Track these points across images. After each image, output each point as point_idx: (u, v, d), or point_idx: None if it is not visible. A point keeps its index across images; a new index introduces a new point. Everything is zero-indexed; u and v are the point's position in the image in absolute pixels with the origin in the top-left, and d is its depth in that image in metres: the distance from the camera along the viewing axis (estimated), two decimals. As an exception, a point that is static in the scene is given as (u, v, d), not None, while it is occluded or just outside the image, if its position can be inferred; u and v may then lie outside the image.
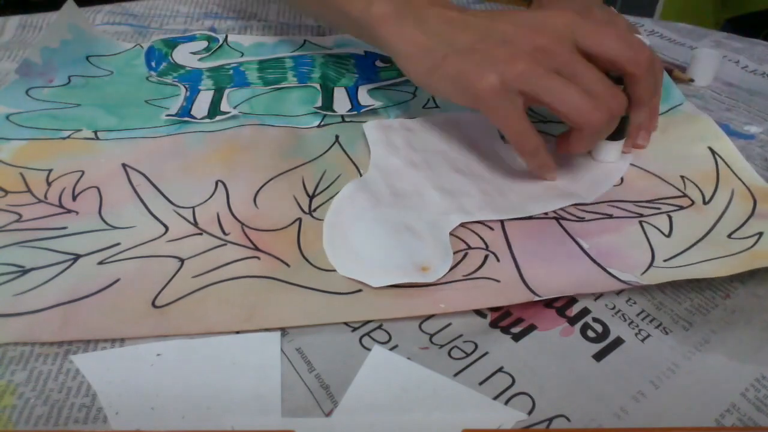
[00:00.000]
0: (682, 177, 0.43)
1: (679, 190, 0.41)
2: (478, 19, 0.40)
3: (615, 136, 0.42)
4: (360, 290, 0.33)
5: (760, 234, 0.37)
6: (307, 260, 0.35)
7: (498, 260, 0.36)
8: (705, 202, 0.40)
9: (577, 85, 0.36)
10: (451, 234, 0.37)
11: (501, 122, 0.39)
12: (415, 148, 0.44)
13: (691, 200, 0.40)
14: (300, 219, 0.38)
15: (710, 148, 0.46)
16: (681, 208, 0.40)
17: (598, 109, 0.36)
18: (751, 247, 0.36)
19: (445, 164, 0.43)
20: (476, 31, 0.39)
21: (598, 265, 0.35)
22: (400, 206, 0.38)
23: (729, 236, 0.37)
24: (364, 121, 0.48)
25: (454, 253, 0.36)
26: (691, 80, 0.54)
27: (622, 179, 0.43)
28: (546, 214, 0.39)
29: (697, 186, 0.42)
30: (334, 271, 0.35)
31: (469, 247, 0.37)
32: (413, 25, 0.41)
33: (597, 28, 0.38)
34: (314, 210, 0.39)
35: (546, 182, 0.42)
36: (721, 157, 0.45)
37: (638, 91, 0.39)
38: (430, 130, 0.46)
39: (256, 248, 0.36)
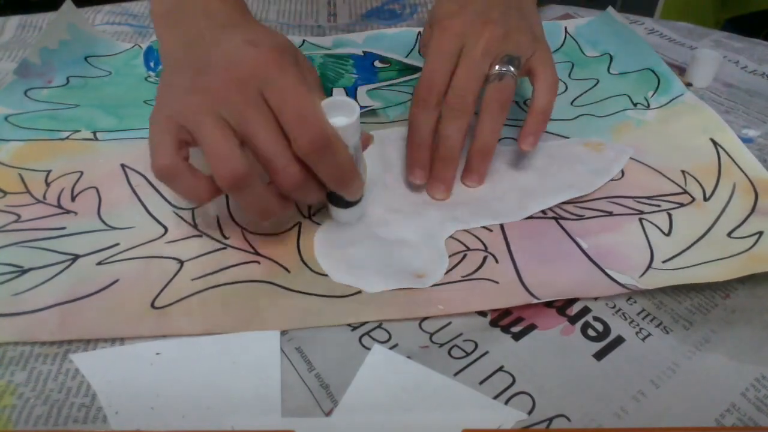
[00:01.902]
0: (683, 171, 0.42)
1: (679, 186, 0.41)
2: (211, 36, 0.35)
3: (344, 204, 0.36)
4: (359, 292, 0.33)
5: (760, 234, 0.37)
6: (306, 265, 0.35)
7: (497, 261, 0.36)
8: (706, 199, 0.40)
9: (249, 144, 0.32)
10: (449, 237, 0.37)
11: (165, 161, 0.32)
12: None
13: (692, 197, 0.40)
14: (300, 223, 0.38)
15: (712, 140, 0.45)
16: (681, 205, 0.40)
17: (235, 169, 0.31)
18: (751, 248, 0.36)
19: None
20: (195, 53, 0.34)
21: (597, 266, 0.35)
22: (395, 220, 0.38)
23: (728, 235, 0.37)
24: (364, 122, 0.48)
25: (453, 255, 0.36)
26: (689, 84, 0.54)
27: (622, 172, 0.43)
28: (545, 213, 0.39)
29: (698, 181, 0.42)
30: None
31: (468, 249, 0.37)
32: (172, 32, 0.37)
33: (281, 85, 0.32)
34: (314, 214, 0.39)
35: (545, 176, 0.42)
36: (723, 149, 0.44)
37: (320, 175, 0.33)
38: None
39: (256, 252, 0.36)
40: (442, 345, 0.31)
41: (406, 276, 0.34)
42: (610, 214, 0.39)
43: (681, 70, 0.56)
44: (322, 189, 0.34)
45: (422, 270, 0.35)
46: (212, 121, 0.31)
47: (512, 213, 0.39)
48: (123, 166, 0.42)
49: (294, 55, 0.35)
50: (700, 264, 0.35)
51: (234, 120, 0.32)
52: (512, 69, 0.39)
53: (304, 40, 0.60)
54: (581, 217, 0.39)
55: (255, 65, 0.32)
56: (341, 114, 0.33)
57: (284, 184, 0.32)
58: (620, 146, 0.45)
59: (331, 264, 0.35)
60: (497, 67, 0.39)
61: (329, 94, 0.52)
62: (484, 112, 0.39)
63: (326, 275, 0.35)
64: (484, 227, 0.38)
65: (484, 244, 0.37)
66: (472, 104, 0.39)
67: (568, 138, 0.47)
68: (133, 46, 0.58)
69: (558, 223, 0.38)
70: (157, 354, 0.30)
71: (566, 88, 0.53)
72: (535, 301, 0.33)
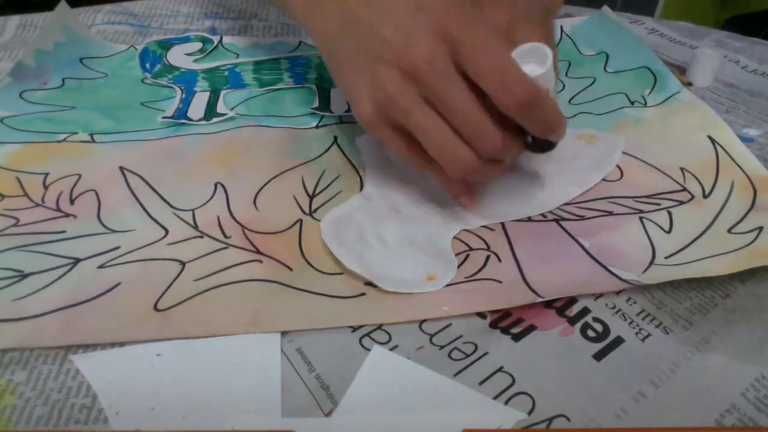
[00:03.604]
0: (682, 169, 0.43)
1: (678, 183, 0.41)
2: (370, 13, 0.34)
3: (542, 149, 0.36)
4: (363, 294, 0.33)
5: (760, 229, 0.37)
6: (309, 264, 0.35)
7: (500, 261, 0.36)
8: (705, 196, 0.40)
9: (449, 117, 0.33)
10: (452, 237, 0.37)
11: (397, 151, 0.36)
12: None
13: (691, 194, 0.40)
14: (301, 221, 0.38)
15: (710, 137, 0.45)
16: (681, 203, 0.40)
17: (464, 156, 0.33)
18: (751, 242, 0.36)
19: None
20: (363, 31, 0.34)
21: (600, 264, 0.35)
22: (400, 221, 0.38)
23: (729, 231, 0.37)
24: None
25: (457, 255, 0.36)
26: (690, 83, 0.54)
27: (621, 173, 0.43)
28: (545, 216, 0.39)
29: (696, 178, 0.42)
30: (337, 274, 0.35)
31: (471, 249, 0.37)
32: (321, 12, 0.37)
33: (476, 45, 0.31)
34: (314, 211, 0.39)
35: (546, 179, 0.42)
36: (721, 146, 0.45)
37: (530, 128, 0.34)
38: None
39: (258, 252, 0.36)
40: (442, 347, 0.31)
41: (416, 279, 0.34)
42: (611, 213, 0.39)
43: (681, 70, 0.56)
44: (522, 139, 0.35)
45: (432, 272, 0.35)
46: (427, 113, 0.33)
47: (515, 212, 0.39)
48: (121, 168, 0.42)
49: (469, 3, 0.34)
50: (702, 259, 0.35)
51: (436, 100, 0.32)
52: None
53: (300, 42, 0.60)
54: (582, 218, 0.39)
55: (442, 35, 0.32)
56: (532, 60, 0.32)
57: (488, 151, 0.33)
58: (611, 137, 0.45)
59: (341, 251, 0.35)
60: None
61: (327, 94, 0.52)
62: None
63: (329, 274, 0.35)
64: (485, 227, 0.38)
65: (486, 243, 0.37)
66: None
67: None
68: (128, 48, 0.57)
69: (559, 224, 0.38)
70: (158, 355, 0.30)
71: (564, 86, 0.53)
72: (539, 299, 0.33)
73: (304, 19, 0.40)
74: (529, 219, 0.39)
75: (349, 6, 0.35)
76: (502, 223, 0.38)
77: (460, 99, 0.32)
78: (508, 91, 0.31)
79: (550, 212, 0.39)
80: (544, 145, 0.36)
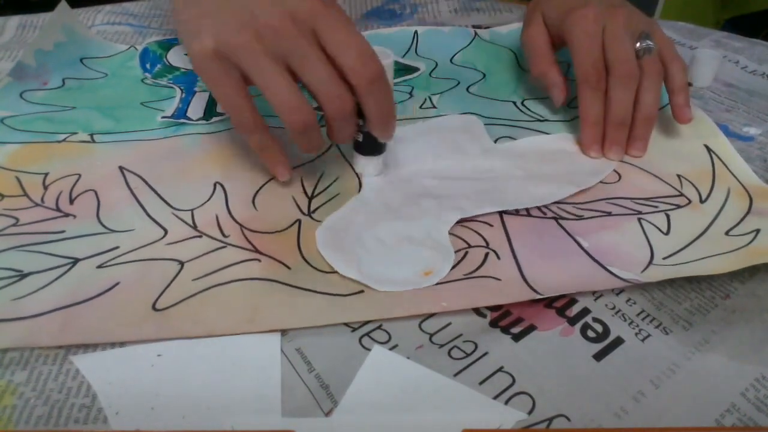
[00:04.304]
0: (679, 176, 0.43)
1: (675, 189, 0.42)
2: None
3: (370, 151, 0.41)
4: (362, 291, 0.33)
5: (757, 231, 0.37)
6: (307, 262, 0.35)
7: (498, 258, 0.36)
8: (702, 201, 0.41)
9: (302, 76, 0.34)
10: (450, 234, 0.37)
11: (212, 90, 0.36)
12: (403, 163, 0.44)
13: (688, 199, 0.41)
14: (299, 221, 0.38)
15: (706, 146, 0.46)
16: (678, 206, 0.40)
17: (304, 109, 0.34)
18: (749, 243, 0.37)
19: (436, 172, 0.43)
20: None
21: (599, 263, 0.35)
22: (397, 219, 0.38)
23: (727, 233, 0.38)
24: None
25: (455, 252, 0.36)
26: (690, 84, 0.54)
27: (619, 175, 0.43)
28: (545, 214, 0.39)
29: (693, 185, 0.42)
30: (335, 272, 0.34)
31: (469, 246, 0.37)
32: None
33: (338, 25, 0.34)
34: (313, 211, 0.39)
35: (543, 176, 0.42)
36: (716, 155, 0.45)
37: (365, 107, 0.36)
38: (418, 140, 0.46)
39: (257, 250, 0.36)
40: (441, 346, 0.31)
41: (414, 276, 0.34)
42: (609, 214, 0.39)
43: (680, 70, 0.56)
44: (357, 127, 0.38)
45: (429, 266, 0.35)
46: (272, 65, 0.34)
47: (514, 200, 0.39)
48: (121, 168, 0.42)
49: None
50: (701, 259, 0.35)
51: (291, 56, 0.34)
52: (652, 43, 0.44)
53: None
54: (581, 217, 0.39)
55: (308, 8, 0.34)
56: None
57: (339, 110, 0.35)
58: None
59: (337, 259, 0.35)
60: (644, 42, 0.44)
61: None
62: (646, 82, 0.43)
63: (327, 272, 0.35)
64: (485, 223, 0.38)
65: (485, 240, 0.37)
66: (638, 70, 0.43)
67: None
68: (128, 48, 0.58)
69: (558, 223, 0.38)
70: (158, 355, 0.30)
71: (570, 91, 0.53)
72: (538, 296, 0.33)
73: None
74: (528, 214, 0.39)
75: None
76: (502, 220, 0.38)
77: (320, 62, 0.34)
78: (365, 64, 0.34)
79: (549, 210, 0.39)
80: (369, 146, 0.40)
